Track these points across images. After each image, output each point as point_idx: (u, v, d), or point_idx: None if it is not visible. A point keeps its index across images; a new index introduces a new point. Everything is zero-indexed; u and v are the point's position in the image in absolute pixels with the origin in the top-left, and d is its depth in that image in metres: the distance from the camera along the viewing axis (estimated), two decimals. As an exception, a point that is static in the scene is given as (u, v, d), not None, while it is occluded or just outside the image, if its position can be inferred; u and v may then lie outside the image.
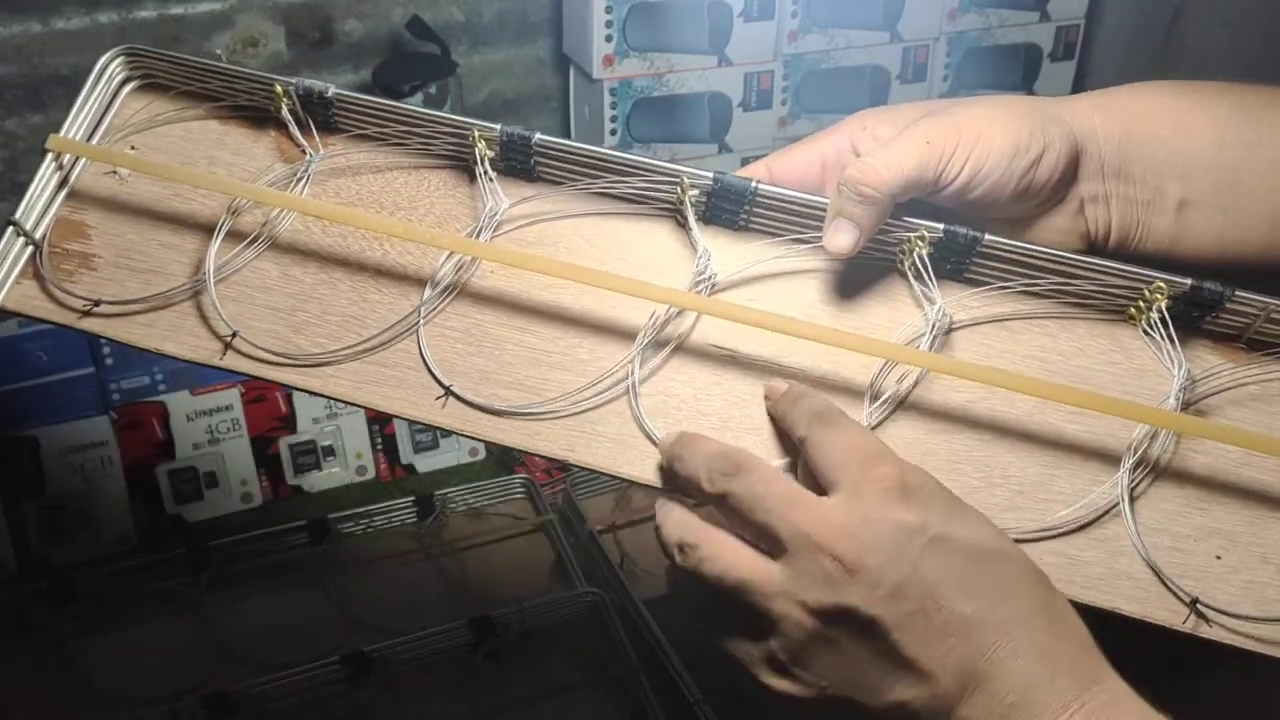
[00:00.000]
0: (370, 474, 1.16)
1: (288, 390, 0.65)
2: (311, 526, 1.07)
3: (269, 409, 1.12)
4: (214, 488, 1.10)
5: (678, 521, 0.43)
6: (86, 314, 0.50)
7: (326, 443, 1.14)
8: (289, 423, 1.13)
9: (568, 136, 1.44)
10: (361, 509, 1.10)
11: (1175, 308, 0.47)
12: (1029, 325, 0.49)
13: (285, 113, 0.52)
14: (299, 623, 0.99)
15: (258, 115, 0.54)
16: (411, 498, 1.11)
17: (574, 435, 0.48)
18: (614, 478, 0.48)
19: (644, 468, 0.48)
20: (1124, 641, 0.42)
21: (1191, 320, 0.48)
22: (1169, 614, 0.45)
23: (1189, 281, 0.46)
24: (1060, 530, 0.46)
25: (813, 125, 1.42)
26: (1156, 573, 0.45)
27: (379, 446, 1.16)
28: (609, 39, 1.27)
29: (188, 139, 0.54)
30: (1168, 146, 0.46)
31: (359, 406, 0.49)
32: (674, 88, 1.33)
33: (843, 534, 0.39)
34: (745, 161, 1.40)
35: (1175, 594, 0.45)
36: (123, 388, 1.07)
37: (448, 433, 1.16)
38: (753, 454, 0.43)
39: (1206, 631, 0.45)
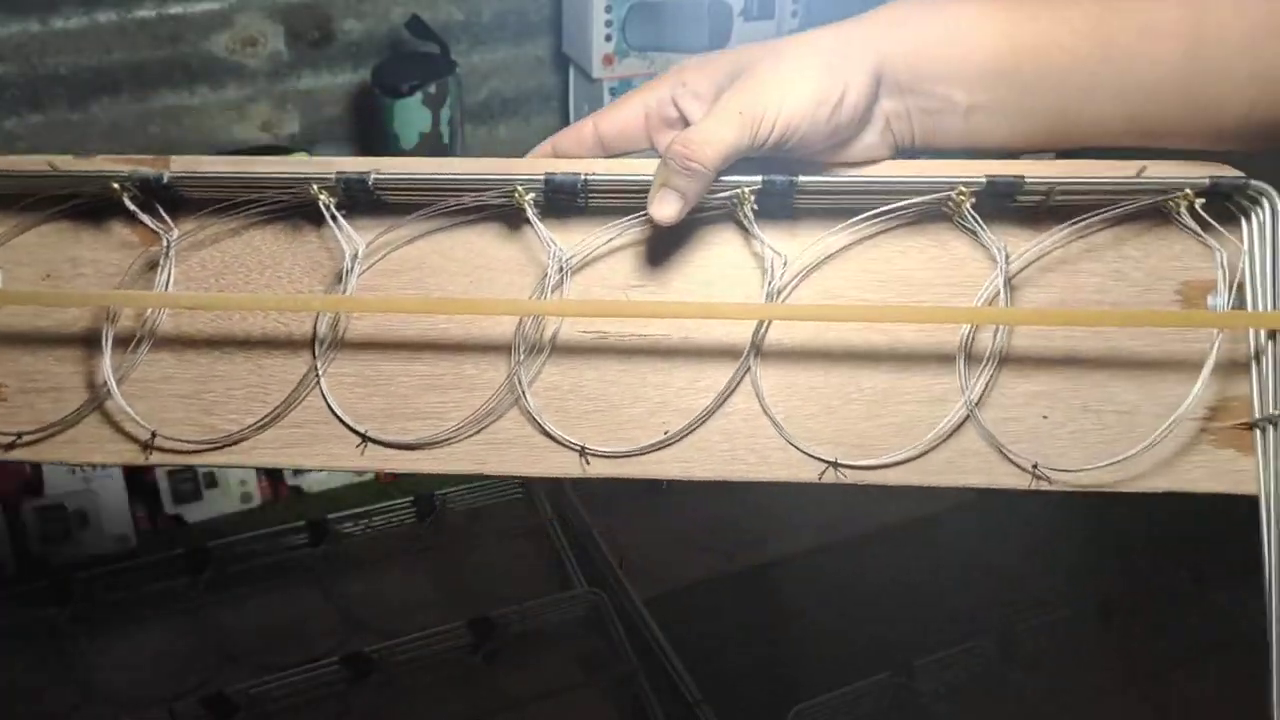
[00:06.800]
0: (369, 474, 1.16)
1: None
2: (311, 527, 1.07)
3: (268, 409, 1.11)
4: (213, 488, 1.10)
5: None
6: (10, 448, 0.51)
7: (326, 443, 1.14)
8: (288, 423, 1.13)
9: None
10: (361, 509, 1.10)
11: (981, 202, 0.52)
12: (857, 242, 0.53)
13: (129, 202, 0.52)
14: (299, 623, 0.99)
15: (105, 207, 0.53)
16: (411, 498, 1.11)
17: (483, 450, 0.51)
18: (528, 480, 0.50)
19: (552, 463, 0.51)
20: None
21: (998, 207, 0.52)
22: (1014, 479, 0.50)
23: (984, 178, 0.51)
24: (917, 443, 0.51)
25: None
26: (997, 447, 0.50)
27: (378, 446, 1.16)
28: (609, 38, 1.27)
29: (44, 244, 0.54)
30: (949, 58, 0.52)
31: (287, 469, 0.50)
32: (674, 86, 1.32)
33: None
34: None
35: (1014, 462, 0.50)
36: (122, 388, 1.07)
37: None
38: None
39: (1047, 487, 0.50)
